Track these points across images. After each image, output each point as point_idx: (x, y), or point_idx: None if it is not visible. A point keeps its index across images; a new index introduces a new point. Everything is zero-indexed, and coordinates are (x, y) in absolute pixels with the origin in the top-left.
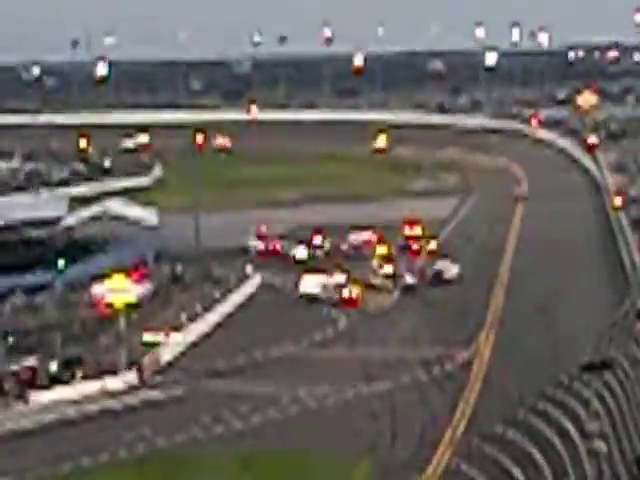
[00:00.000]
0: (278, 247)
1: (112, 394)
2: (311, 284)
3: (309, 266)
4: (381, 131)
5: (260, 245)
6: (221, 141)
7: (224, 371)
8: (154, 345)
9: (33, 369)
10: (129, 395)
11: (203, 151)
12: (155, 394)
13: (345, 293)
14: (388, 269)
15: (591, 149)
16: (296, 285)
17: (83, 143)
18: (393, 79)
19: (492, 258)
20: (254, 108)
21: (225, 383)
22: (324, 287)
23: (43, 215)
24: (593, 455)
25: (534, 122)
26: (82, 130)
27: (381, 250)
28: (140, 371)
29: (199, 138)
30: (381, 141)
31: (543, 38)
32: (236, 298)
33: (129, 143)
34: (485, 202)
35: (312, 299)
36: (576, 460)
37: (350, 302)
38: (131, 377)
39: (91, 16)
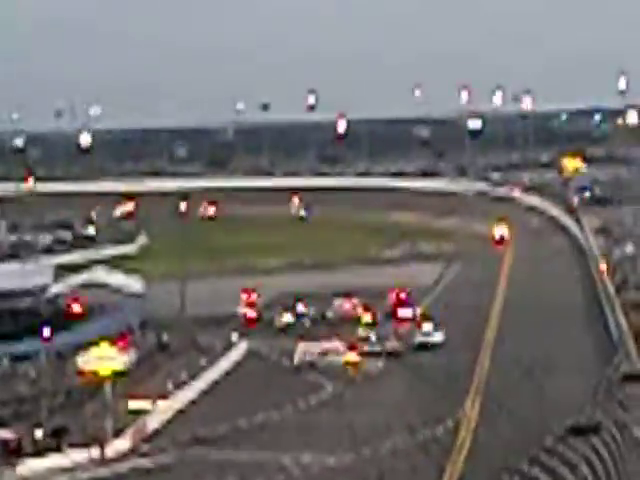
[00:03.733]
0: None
1: (101, 462)
2: (307, 351)
3: (301, 334)
4: (295, 194)
5: (250, 312)
6: (205, 209)
7: (210, 438)
8: (140, 413)
9: (19, 438)
10: (118, 463)
11: (188, 218)
12: (142, 462)
13: (347, 357)
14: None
15: (575, 212)
16: (291, 354)
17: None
18: (377, 145)
19: (478, 323)
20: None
21: (211, 450)
22: (321, 354)
23: (29, 284)
24: None
25: (517, 187)
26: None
27: (366, 317)
28: (102, 446)
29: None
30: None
31: (526, 102)
32: (222, 366)
33: (119, 211)
34: (469, 267)
35: (310, 366)
36: None
37: (353, 365)
38: (119, 445)
39: (75, 86)
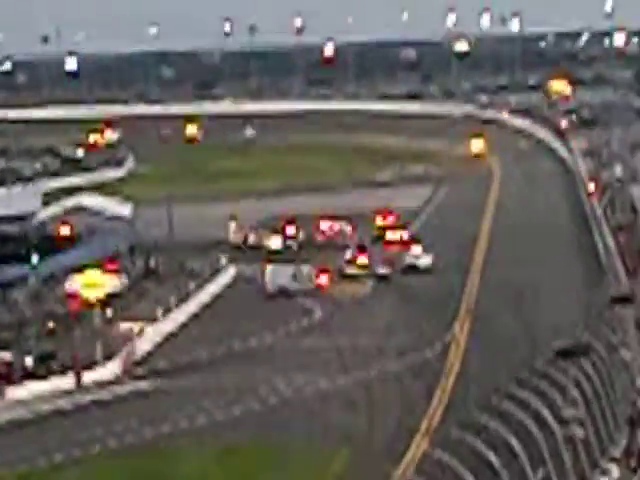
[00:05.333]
0: None
1: (88, 388)
2: (278, 275)
3: (276, 257)
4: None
5: (239, 237)
6: (191, 132)
7: (200, 362)
8: (130, 338)
9: (9, 364)
10: (105, 389)
11: (174, 143)
12: (125, 388)
13: (318, 280)
14: (362, 259)
15: (563, 135)
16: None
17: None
18: (364, 68)
19: (466, 246)
20: None
21: (201, 374)
22: (294, 277)
23: (16, 210)
24: (570, 441)
25: (505, 109)
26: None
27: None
28: (78, 374)
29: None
30: (249, 131)
31: (514, 24)
32: (211, 290)
33: (107, 137)
34: (458, 190)
35: (281, 291)
36: (553, 446)
37: (320, 288)
38: (108, 371)
39: (61, 11)
